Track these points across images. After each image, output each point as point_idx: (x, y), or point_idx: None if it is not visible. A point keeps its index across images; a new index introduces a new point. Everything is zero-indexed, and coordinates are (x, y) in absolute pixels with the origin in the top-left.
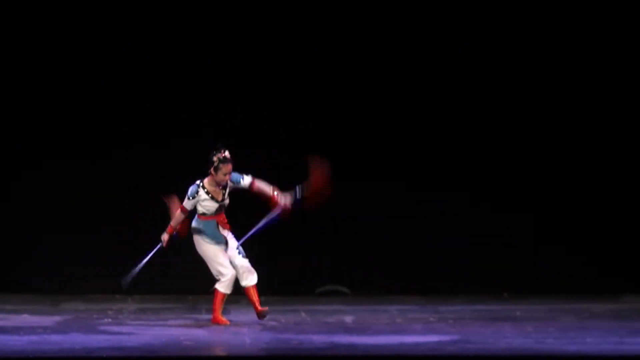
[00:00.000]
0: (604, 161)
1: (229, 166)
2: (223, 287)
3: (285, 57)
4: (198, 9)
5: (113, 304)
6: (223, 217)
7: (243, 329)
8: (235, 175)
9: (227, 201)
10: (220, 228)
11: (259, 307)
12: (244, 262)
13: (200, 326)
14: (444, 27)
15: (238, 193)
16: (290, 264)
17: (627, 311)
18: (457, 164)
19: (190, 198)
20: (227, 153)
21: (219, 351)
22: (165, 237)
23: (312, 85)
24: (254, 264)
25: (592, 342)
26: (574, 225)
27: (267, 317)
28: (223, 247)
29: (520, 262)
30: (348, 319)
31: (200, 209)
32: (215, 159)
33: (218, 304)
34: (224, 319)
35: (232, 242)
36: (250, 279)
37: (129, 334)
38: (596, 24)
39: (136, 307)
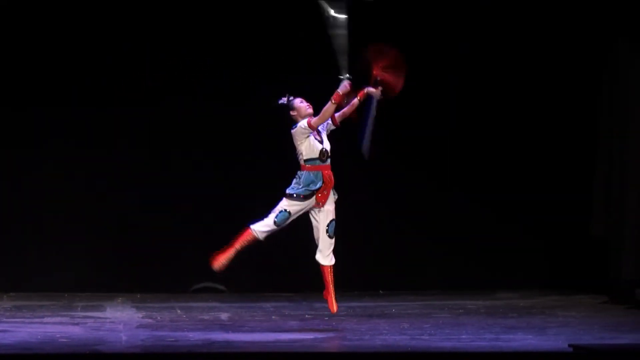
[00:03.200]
0: (480, 156)
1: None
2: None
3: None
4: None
5: None
6: (329, 170)
7: (119, 326)
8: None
9: (327, 145)
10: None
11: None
12: (327, 241)
13: (76, 324)
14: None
15: None
16: (165, 260)
17: (502, 307)
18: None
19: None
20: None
21: (95, 348)
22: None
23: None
24: (129, 260)
25: (467, 339)
26: (447, 221)
27: (144, 314)
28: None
29: (396, 259)
30: (224, 315)
31: (304, 153)
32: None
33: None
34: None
35: (326, 216)
36: (325, 259)
37: (4, 331)
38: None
39: (12, 305)
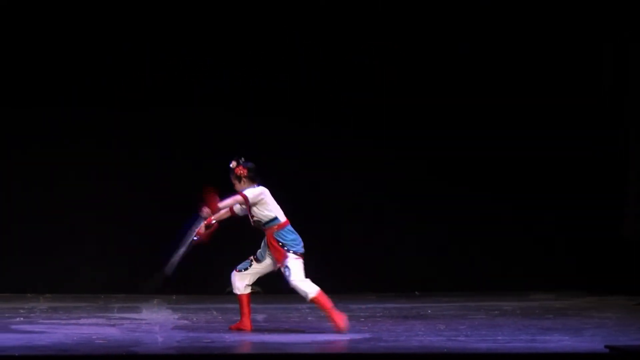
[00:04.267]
0: (514, 159)
1: (231, 176)
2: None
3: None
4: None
5: (25, 302)
6: (268, 234)
7: (155, 327)
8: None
9: (256, 218)
10: (264, 244)
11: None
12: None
13: (112, 325)
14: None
15: None
16: (201, 262)
17: (537, 309)
18: (367, 162)
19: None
20: (232, 163)
21: (131, 349)
22: (201, 229)
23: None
24: (164, 262)
25: (503, 340)
26: (483, 222)
27: (180, 315)
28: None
29: (431, 260)
30: (260, 317)
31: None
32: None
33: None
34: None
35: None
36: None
37: (41, 332)
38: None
39: (48, 306)
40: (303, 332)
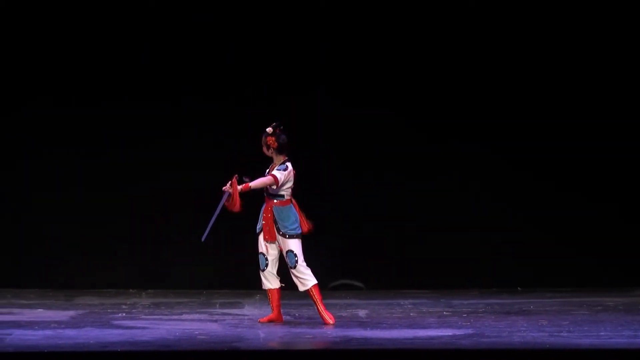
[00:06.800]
0: (613, 155)
1: (262, 138)
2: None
3: (282, 57)
4: (196, 9)
5: (127, 298)
6: (268, 205)
7: (257, 323)
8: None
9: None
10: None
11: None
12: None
13: (214, 320)
14: (444, 26)
15: None
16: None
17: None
18: (467, 159)
19: (283, 170)
20: (268, 128)
21: (233, 345)
22: (235, 188)
23: (310, 82)
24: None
25: (605, 336)
26: (585, 218)
27: (282, 311)
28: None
29: (533, 256)
30: (362, 312)
31: (285, 190)
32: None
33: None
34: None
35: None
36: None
37: (143, 328)
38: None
39: (150, 302)
40: (405, 328)
